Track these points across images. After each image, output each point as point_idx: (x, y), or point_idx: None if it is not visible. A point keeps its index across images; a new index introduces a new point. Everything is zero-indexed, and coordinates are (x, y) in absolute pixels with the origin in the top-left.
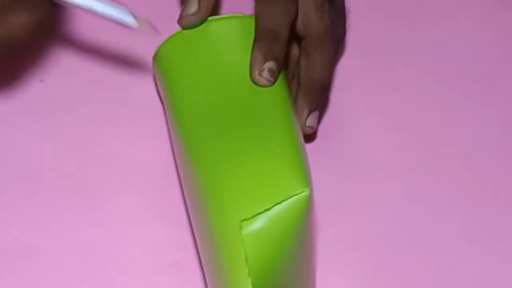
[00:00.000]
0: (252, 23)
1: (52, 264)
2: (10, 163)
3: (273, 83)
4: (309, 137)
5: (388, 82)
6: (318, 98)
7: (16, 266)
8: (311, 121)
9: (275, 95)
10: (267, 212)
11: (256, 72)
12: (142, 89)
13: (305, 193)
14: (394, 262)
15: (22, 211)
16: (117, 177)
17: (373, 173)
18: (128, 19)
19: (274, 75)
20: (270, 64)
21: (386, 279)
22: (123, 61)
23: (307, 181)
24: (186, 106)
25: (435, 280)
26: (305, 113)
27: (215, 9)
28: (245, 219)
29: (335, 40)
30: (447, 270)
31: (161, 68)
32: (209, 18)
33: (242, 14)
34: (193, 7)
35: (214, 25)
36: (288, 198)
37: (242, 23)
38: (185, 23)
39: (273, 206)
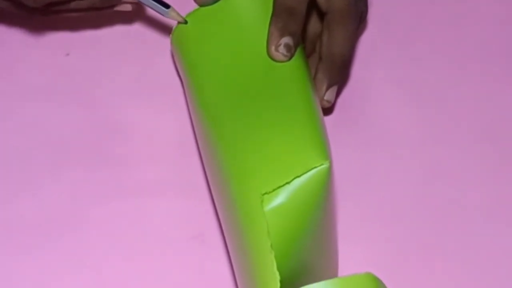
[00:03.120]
0: None
1: (77, 237)
2: (35, 135)
3: (290, 58)
4: (329, 110)
5: (408, 56)
6: (338, 73)
7: (42, 238)
8: (329, 95)
9: (293, 70)
10: (287, 186)
11: (273, 48)
12: (162, 64)
13: (325, 165)
14: (414, 235)
15: (46, 182)
16: (140, 151)
17: (393, 147)
18: (161, 8)
19: (291, 50)
20: (286, 40)
21: (406, 251)
22: (144, 36)
23: (327, 154)
24: (206, 82)
25: (454, 253)
26: (324, 87)
27: None
28: (266, 193)
29: (357, 16)
30: (466, 243)
31: (179, 45)
32: None
33: None
34: None
35: (232, 0)
36: (308, 171)
37: None
38: (200, 2)
39: (293, 179)
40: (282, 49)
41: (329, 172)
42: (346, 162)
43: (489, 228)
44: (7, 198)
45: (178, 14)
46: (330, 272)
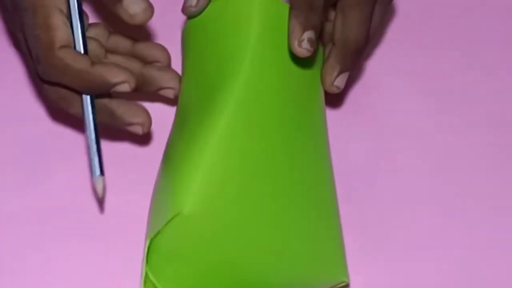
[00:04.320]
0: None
1: (87, 227)
2: (46, 125)
3: (313, 53)
4: (340, 100)
5: (415, 47)
6: (351, 59)
7: (52, 229)
8: (339, 81)
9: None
10: None
11: (296, 43)
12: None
13: None
14: (421, 225)
15: (56, 173)
16: (150, 143)
17: (401, 138)
18: (95, 170)
19: (314, 44)
20: (309, 34)
21: (413, 241)
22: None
23: None
24: (187, 80)
25: (461, 243)
26: (335, 73)
27: None
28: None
29: (372, 0)
30: (474, 233)
31: (184, 42)
32: None
33: None
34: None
35: (232, 5)
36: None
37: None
38: (187, 14)
39: None
40: (305, 44)
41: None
42: (354, 153)
43: (497, 219)
44: (17, 188)
45: (102, 188)
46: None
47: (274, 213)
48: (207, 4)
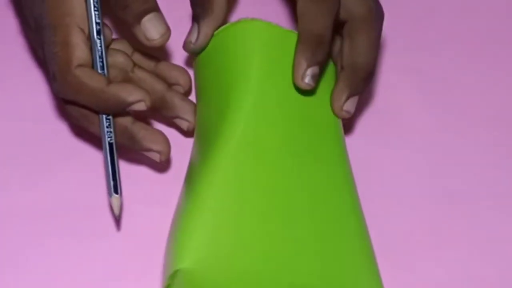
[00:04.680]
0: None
1: (91, 224)
2: (50, 122)
3: (314, 87)
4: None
5: (418, 44)
6: (361, 83)
7: (57, 225)
8: (349, 105)
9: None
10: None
11: (299, 78)
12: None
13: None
14: (423, 223)
15: (61, 169)
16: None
17: (403, 135)
18: (110, 190)
19: (316, 79)
20: (313, 70)
21: (415, 239)
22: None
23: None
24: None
25: (463, 242)
26: (344, 97)
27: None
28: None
29: (380, 22)
30: (477, 231)
31: (195, 73)
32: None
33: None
34: (193, 36)
35: (238, 37)
36: None
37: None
38: (187, 50)
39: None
40: (308, 79)
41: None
42: (357, 150)
43: (500, 217)
44: (20, 186)
45: (118, 206)
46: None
47: (292, 254)
48: (207, 42)
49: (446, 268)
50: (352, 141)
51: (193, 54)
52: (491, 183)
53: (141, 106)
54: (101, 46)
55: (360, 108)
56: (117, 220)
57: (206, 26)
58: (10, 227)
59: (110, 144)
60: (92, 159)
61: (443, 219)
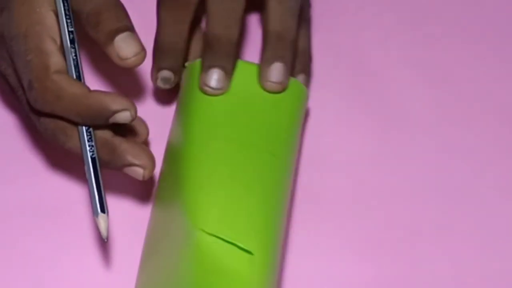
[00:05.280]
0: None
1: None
2: None
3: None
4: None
5: (422, 37)
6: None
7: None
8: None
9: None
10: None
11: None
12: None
13: (247, 254)
14: (428, 216)
15: (62, 166)
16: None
17: (407, 128)
18: (96, 208)
19: (169, 82)
20: (163, 74)
21: (420, 231)
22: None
23: (258, 246)
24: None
25: (468, 234)
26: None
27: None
28: (203, 230)
29: None
30: (481, 224)
31: (185, 82)
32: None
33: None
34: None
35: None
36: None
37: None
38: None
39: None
40: (159, 82)
41: (250, 262)
42: (361, 144)
43: (504, 209)
44: (22, 182)
45: (105, 227)
46: None
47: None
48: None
49: (450, 262)
50: (357, 136)
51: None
52: (497, 177)
53: (125, 116)
54: (76, 56)
55: (366, 102)
56: (105, 242)
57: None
58: (12, 223)
59: (93, 159)
60: None
61: (448, 213)
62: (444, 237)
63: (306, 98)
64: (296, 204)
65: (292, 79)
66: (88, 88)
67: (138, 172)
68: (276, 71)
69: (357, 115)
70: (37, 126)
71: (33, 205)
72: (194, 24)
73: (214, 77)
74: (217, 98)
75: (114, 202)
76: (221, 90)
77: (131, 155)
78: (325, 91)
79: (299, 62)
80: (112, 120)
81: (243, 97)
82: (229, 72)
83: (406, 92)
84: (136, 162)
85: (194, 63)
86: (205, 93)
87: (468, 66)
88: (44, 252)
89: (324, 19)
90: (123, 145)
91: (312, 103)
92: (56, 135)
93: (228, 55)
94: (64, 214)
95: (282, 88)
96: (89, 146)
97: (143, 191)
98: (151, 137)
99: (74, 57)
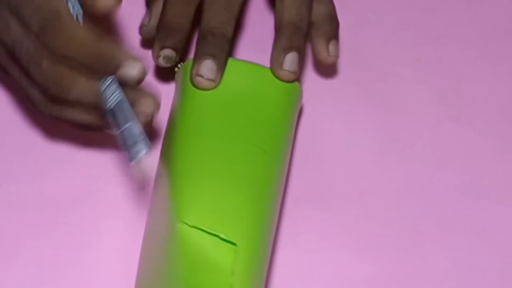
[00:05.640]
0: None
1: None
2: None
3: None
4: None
5: (424, 35)
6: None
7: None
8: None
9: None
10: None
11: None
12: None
13: (230, 245)
14: (429, 214)
15: (66, 161)
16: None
17: (409, 126)
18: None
19: (170, 60)
20: (166, 52)
21: (421, 230)
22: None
23: (242, 238)
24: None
25: (470, 232)
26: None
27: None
28: (185, 223)
29: None
30: (482, 222)
31: (178, 81)
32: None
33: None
34: (146, 19)
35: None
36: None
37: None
38: (142, 34)
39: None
40: (161, 60)
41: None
42: (362, 141)
43: (506, 206)
44: (26, 178)
45: (143, 172)
46: None
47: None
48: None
49: (452, 260)
50: (359, 133)
51: (148, 37)
52: (499, 174)
53: (138, 70)
54: (79, 7)
55: (367, 100)
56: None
57: (156, 8)
58: (13, 219)
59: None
60: (100, 149)
61: (450, 210)
62: (445, 234)
63: (299, 95)
64: (296, 201)
65: None
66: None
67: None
68: (291, 60)
69: (358, 113)
70: (37, 79)
71: (35, 201)
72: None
73: (207, 66)
74: (208, 94)
75: (114, 202)
76: (213, 83)
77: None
78: (326, 88)
79: (330, 28)
80: (120, 71)
81: (234, 94)
82: (221, 65)
83: (407, 90)
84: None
85: (187, 62)
86: (197, 85)
87: (470, 64)
88: (46, 248)
89: None
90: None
91: (313, 100)
92: (61, 81)
93: (221, 48)
94: (66, 210)
95: (295, 77)
96: (116, 92)
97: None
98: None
99: (78, 8)
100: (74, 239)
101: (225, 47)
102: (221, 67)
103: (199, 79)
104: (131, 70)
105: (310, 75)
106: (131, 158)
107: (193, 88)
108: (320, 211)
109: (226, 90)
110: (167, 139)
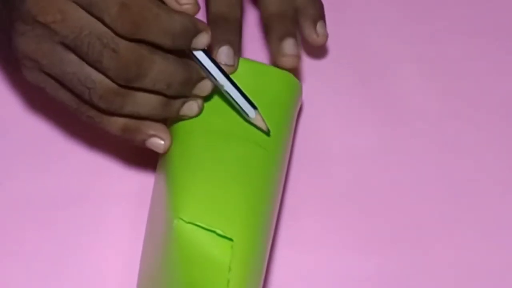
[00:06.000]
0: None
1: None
2: (60, 111)
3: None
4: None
5: (427, 32)
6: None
7: (63, 213)
8: (285, 48)
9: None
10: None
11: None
12: None
13: (226, 241)
14: (432, 209)
15: (68, 158)
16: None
17: (412, 122)
18: (248, 109)
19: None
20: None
21: (424, 224)
22: None
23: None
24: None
25: (471, 227)
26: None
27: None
28: (181, 219)
29: None
30: (483, 217)
31: None
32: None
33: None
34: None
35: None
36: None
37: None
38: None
39: (210, 230)
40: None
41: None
42: (365, 138)
43: (507, 204)
44: (29, 173)
45: (262, 119)
46: None
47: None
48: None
49: (453, 257)
50: (361, 129)
51: None
52: (502, 170)
53: (205, 39)
54: None
55: (370, 96)
56: (267, 133)
57: None
58: (17, 217)
59: (221, 69)
60: (102, 146)
61: (451, 207)
62: (447, 231)
63: (298, 91)
64: (297, 199)
65: (286, 73)
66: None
67: (159, 144)
68: (288, 45)
69: (361, 109)
70: (111, 68)
71: (37, 198)
72: None
73: (224, 53)
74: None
75: (117, 199)
76: (232, 68)
77: (153, 129)
78: (329, 84)
79: (315, 10)
80: (195, 40)
81: None
82: (237, 50)
83: (410, 86)
84: (157, 133)
85: None
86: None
87: (472, 60)
88: (48, 245)
89: (330, 13)
90: (145, 122)
91: (314, 97)
92: (140, 62)
93: (236, 32)
94: (69, 207)
95: (297, 60)
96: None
97: (138, 195)
98: None
99: None
100: (76, 236)
101: (238, 31)
102: (238, 52)
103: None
104: (202, 38)
105: (311, 71)
106: (245, 114)
107: None
108: (321, 208)
109: None
110: None
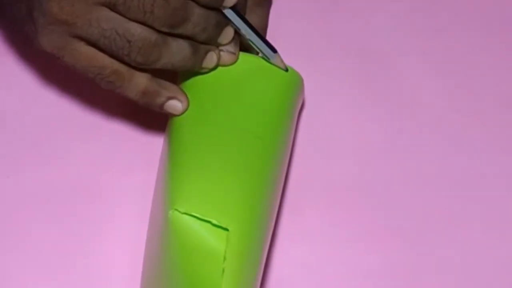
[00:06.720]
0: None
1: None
2: (64, 105)
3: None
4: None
5: (432, 26)
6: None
7: (70, 206)
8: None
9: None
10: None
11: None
12: None
13: (222, 231)
14: (437, 204)
15: (74, 151)
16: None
17: (418, 116)
18: (269, 52)
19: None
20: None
21: (428, 219)
22: None
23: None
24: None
25: (476, 221)
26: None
27: None
28: (177, 210)
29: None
30: (489, 211)
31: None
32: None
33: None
34: None
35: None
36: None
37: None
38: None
39: (206, 221)
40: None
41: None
42: (369, 132)
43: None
44: (36, 166)
45: (282, 61)
46: None
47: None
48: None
49: (458, 251)
50: (366, 124)
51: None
52: (507, 166)
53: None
54: None
55: (375, 91)
56: (286, 70)
57: None
58: (23, 210)
59: (244, 20)
60: (108, 141)
61: (457, 202)
62: (451, 226)
63: (298, 83)
64: (300, 192)
65: (287, 67)
66: None
67: (177, 106)
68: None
69: (366, 104)
70: (161, 16)
71: (45, 191)
72: None
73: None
74: (203, 84)
75: (123, 192)
76: (234, 55)
77: (171, 91)
78: (334, 79)
79: None
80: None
81: (229, 83)
82: (238, 37)
83: (415, 81)
84: (176, 95)
85: None
86: (220, 61)
87: (478, 55)
88: (55, 238)
89: (335, 7)
90: (164, 84)
91: (321, 91)
92: (185, 4)
93: None
94: (76, 200)
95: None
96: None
97: (143, 190)
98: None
99: None
100: (83, 229)
101: None
102: (238, 39)
103: (221, 53)
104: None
105: (315, 66)
106: (269, 56)
107: (188, 77)
108: (325, 202)
109: (221, 79)
110: (166, 129)
